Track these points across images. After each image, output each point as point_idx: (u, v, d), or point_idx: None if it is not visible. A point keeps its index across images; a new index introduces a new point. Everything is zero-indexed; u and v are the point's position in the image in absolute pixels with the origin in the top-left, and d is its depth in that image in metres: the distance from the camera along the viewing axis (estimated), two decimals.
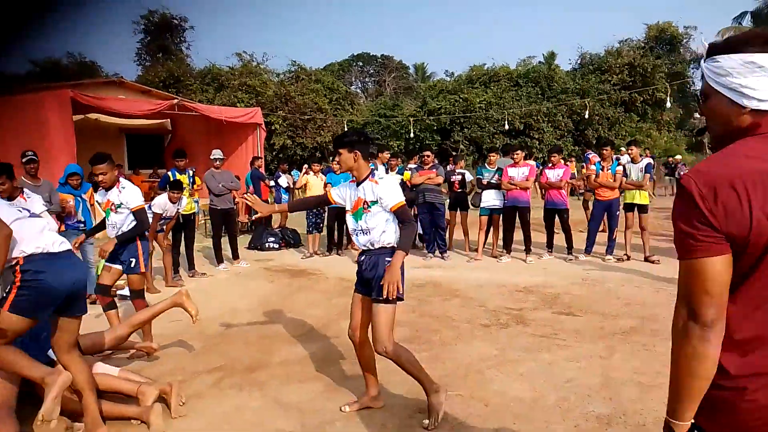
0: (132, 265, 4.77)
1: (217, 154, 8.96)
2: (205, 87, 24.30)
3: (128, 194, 4.77)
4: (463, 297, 6.48)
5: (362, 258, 3.50)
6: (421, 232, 9.53)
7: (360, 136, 3.56)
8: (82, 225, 6.77)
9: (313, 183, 9.97)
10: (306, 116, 23.08)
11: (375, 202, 3.40)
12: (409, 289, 6.94)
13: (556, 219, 8.72)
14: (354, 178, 3.54)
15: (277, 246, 10.56)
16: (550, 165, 8.75)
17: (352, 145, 3.43)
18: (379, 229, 3.39)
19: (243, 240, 10.57)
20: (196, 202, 8.78)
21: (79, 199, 6.82)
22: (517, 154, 8.51)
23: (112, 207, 4.79)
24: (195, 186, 8.64)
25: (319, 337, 5.12)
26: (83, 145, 11.65)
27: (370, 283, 3.40)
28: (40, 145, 8.53)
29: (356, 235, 3.52)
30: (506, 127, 23.11)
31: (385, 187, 3.41)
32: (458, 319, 5.60)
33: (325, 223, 9.86)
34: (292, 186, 15.12)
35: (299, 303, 6.49)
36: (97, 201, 5.36)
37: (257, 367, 4.44)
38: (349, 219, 3.52)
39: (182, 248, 8.18)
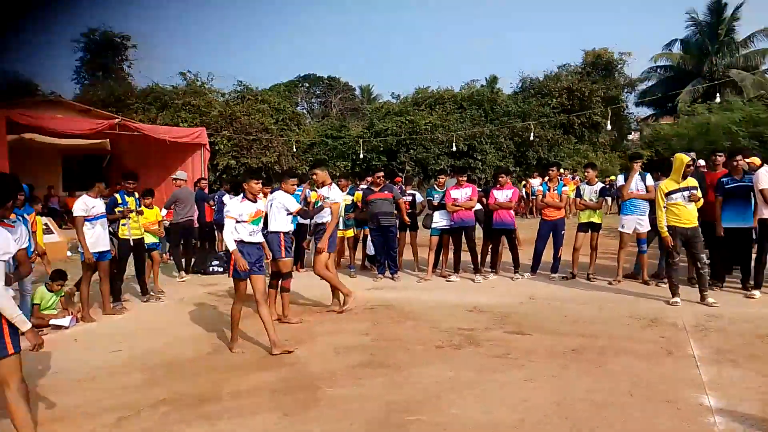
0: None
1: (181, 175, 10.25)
2: (147, 107, 23.57)
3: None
4: (416, 318, 6.45)
5: None
6: (372, 253, 9.48)
7: None
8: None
9: None
10: (251, 136, 22.70)
11: None
12: (361, 311, 6.89)
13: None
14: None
15: (221, 270, 10.11)
16: (498, 186, 8.85)
17: None
18: None
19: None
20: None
21: (19, 218, 6.31)
22: (461, 177, 8.80)
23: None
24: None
25: (271, 365, 4.96)
26: (18, 167, 11.09)
27: None
28: None
29: None
30: (453, 148, 23.47)
31: None
32: (412, 341, 5.55)
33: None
34: None
35: (247, 330, 6.02)
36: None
37: (206, 400, 4.23)
38: None
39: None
